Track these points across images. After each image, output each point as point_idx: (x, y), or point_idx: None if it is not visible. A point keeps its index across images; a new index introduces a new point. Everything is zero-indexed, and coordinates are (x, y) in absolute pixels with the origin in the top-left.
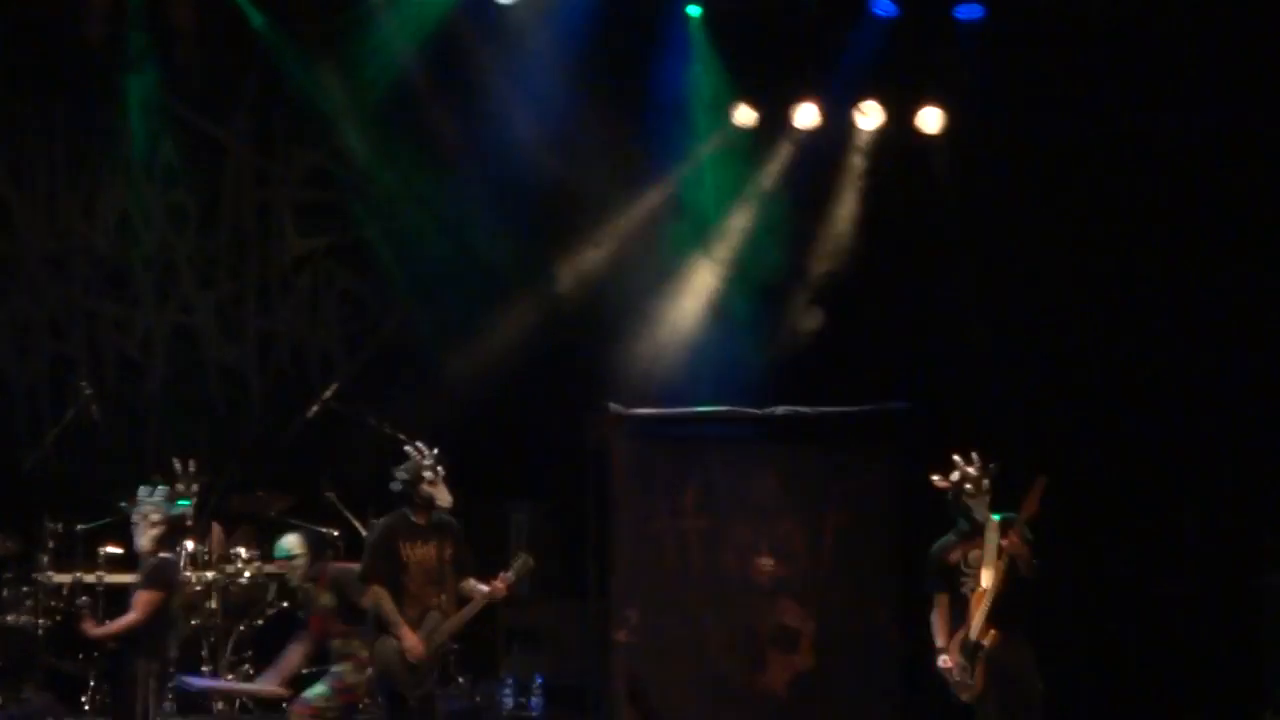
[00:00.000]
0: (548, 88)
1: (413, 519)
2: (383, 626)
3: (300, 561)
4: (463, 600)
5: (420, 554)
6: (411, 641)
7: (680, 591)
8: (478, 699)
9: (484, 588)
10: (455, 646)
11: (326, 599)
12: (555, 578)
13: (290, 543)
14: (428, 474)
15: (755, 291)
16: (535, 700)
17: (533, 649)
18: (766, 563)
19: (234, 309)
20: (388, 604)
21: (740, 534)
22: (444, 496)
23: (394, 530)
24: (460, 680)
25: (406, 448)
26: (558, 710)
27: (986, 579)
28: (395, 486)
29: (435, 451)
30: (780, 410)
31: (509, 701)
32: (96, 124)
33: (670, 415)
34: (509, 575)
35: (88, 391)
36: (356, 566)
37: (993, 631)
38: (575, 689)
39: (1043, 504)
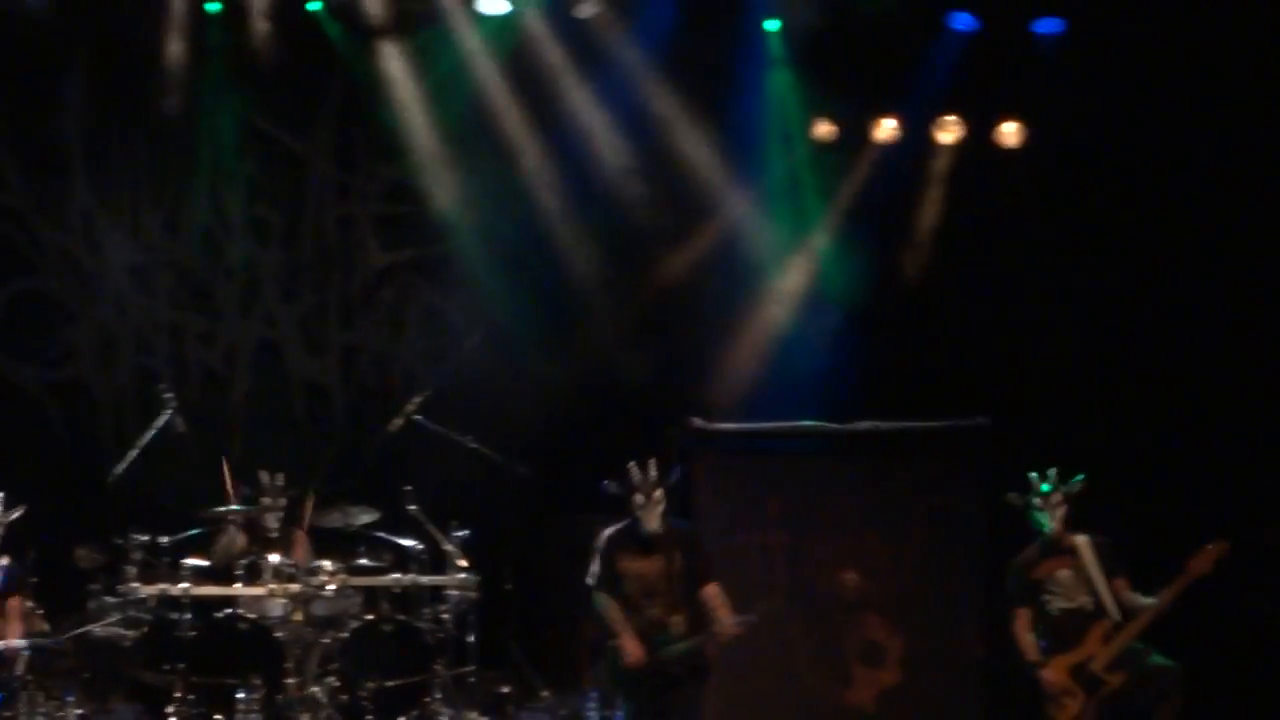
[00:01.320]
0: (628, 102)
1: (635, 532)
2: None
3: None
4: (700, 614)
5: (638, 567)
6: (630, 645)
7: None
8: (563, 712)
9: (721, 620)
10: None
11: None
12: None
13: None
14: (639, 497)
15: (836, 306)
16: (619, 713)
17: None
18: (851, 578)
19: (317, 322)
20: (612, 611)
21: (824, 549)
22: (651, 521)
23: (613, 541)
24: (544, 694)
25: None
26: None
27: (1107, 605)
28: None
29: (653, 475)
30: (863, 425)
31: (594, 714)
32: (179, 138)
33: (754, 430)
34: (748, 618)
35: (172, 404)
36: None
37: (1123, 675)
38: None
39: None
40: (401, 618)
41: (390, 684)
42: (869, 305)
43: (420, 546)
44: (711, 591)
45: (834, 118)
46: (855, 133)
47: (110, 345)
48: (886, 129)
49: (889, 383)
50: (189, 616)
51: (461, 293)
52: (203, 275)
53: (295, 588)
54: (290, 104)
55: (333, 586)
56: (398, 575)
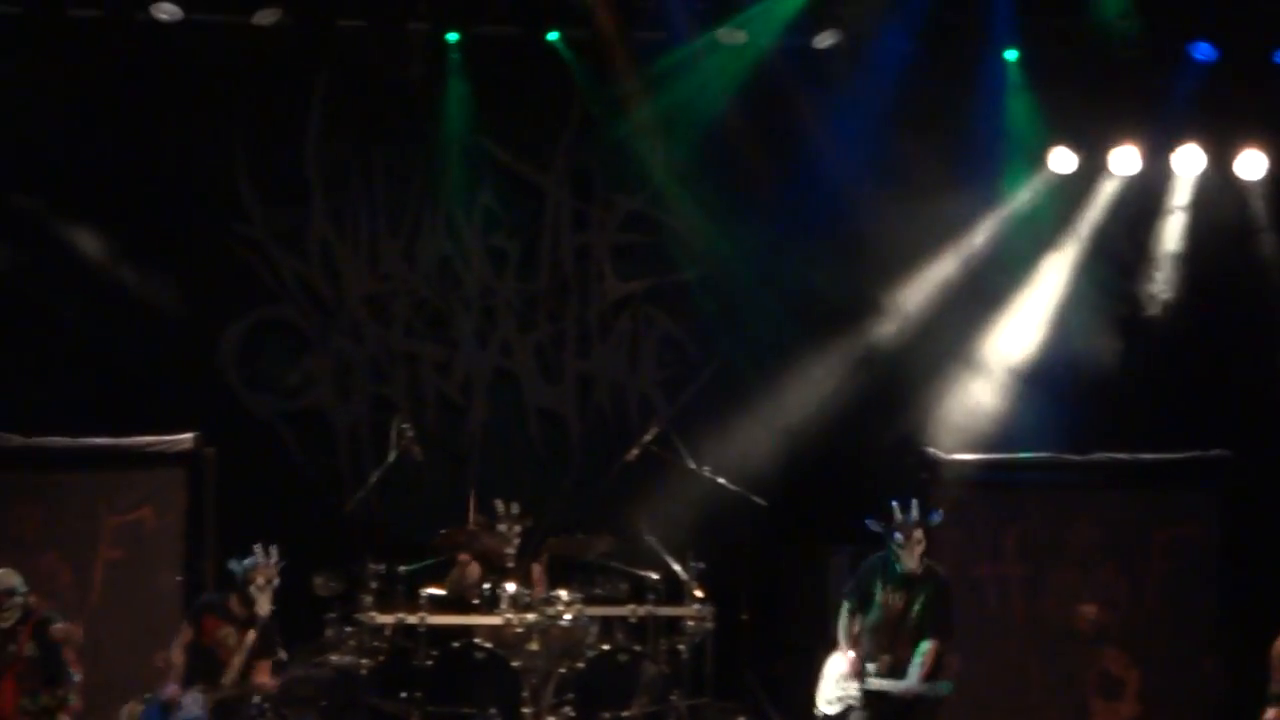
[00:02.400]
0: (865, 131)
1: (895, 565)
2: None
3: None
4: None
5: (888, 599)
6: (846, 658)
7: (1002, 638)
8: None
9: (909, 676)
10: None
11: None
12: None
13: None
14: (898, 536)
15: (1073, 335)
16: None
17: None
18: (1089, 610)
19: (553, 351)
20: (847, 621)
21: (1061, 581)
22: (909, 561)
23: (875, 568)
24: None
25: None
26: None
27: None
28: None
29: (914, 516)
30: (1101, 457)
31: None
32: (416, 168)
33: (990, 461)
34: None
35: (409, 433)
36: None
37: None
38: None
39: None
40: (638, 647)
41: (625, 714)
42: (1106, 335)
43: (656, 576)
44: (927, 648)
45: (1073, 146)
46: (1094, 161)
47: (347, 374)
48: (1126, 158)
49: (1127, 414)
50: (425, 645)
51: (698, 322)
52: (440, 305)
53: (532, 617)
54: (528, 134)
55: (569, 616)
56: (634, 605)
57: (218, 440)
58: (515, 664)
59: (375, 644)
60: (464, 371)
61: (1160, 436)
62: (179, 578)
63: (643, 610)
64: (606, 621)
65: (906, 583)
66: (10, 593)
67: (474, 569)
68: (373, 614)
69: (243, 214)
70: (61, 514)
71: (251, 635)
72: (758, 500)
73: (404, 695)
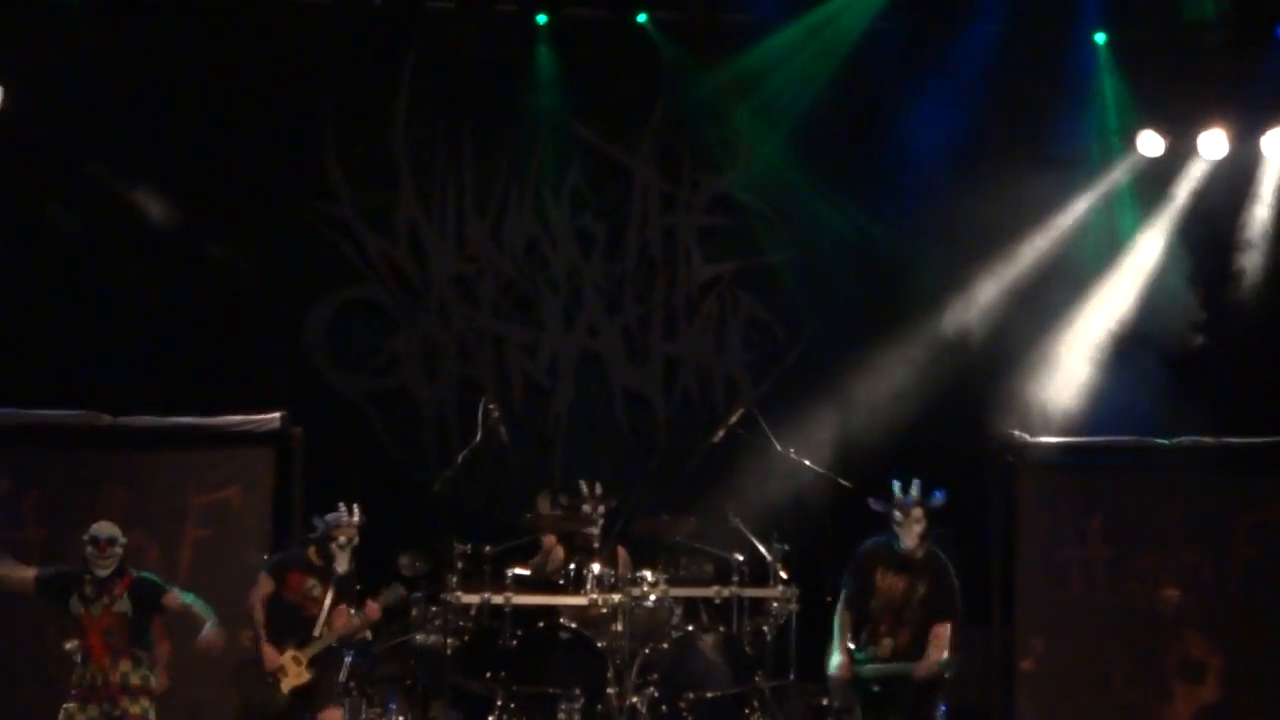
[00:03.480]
0: (954, 114)
1: (893, 548)
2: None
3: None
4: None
5: (889, 583)
6: (839, 661)
7: (1085, 621)
8: None
9: (926, 658)
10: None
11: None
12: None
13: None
14: (896, 514)
15: (1161, 318)
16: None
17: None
18: (1172, 593)
19: (640, 333)
20: (842, 618)
21: (1145, 564)
22: (909, 539)
23: (872, 554)
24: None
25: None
26: None
27: None
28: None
29: (914, 495)
30: (1186, 440)
31: None
32: (504, 149)
33: (1075, 444)
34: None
35: (496, 414)
36: None
37: None
38: (979, 716)
39: None
40: (722, 629)
41: (710, 695)
42: (1194, 318)
43: (741, 557)
44: (939, 631)
45: (1161, 129)
46: (1182, 144)
47: (434, 355)
48: (1214, 141)
49: (1214, 397)
50: (510, 625)
51: (784, 305)
52: (527, 286)
53: (616, 598)
54: (616, 115)
55: (654, 597)
56: (718, 586)
57: (305, 420)
58: (600, 644)
59: (460, 624)
60: (550, 353)
61: (1248, 420)
62: (265, 556)
63: (727, 591)
64: (691, 603)
65: (906, 566)
66: (111, 541)
67: (559, 551)
68: (458, 594)
69: (330, 194)
70: (149, 493)
71: (330, 589)
72: (843, 482)
73: (489, 675)
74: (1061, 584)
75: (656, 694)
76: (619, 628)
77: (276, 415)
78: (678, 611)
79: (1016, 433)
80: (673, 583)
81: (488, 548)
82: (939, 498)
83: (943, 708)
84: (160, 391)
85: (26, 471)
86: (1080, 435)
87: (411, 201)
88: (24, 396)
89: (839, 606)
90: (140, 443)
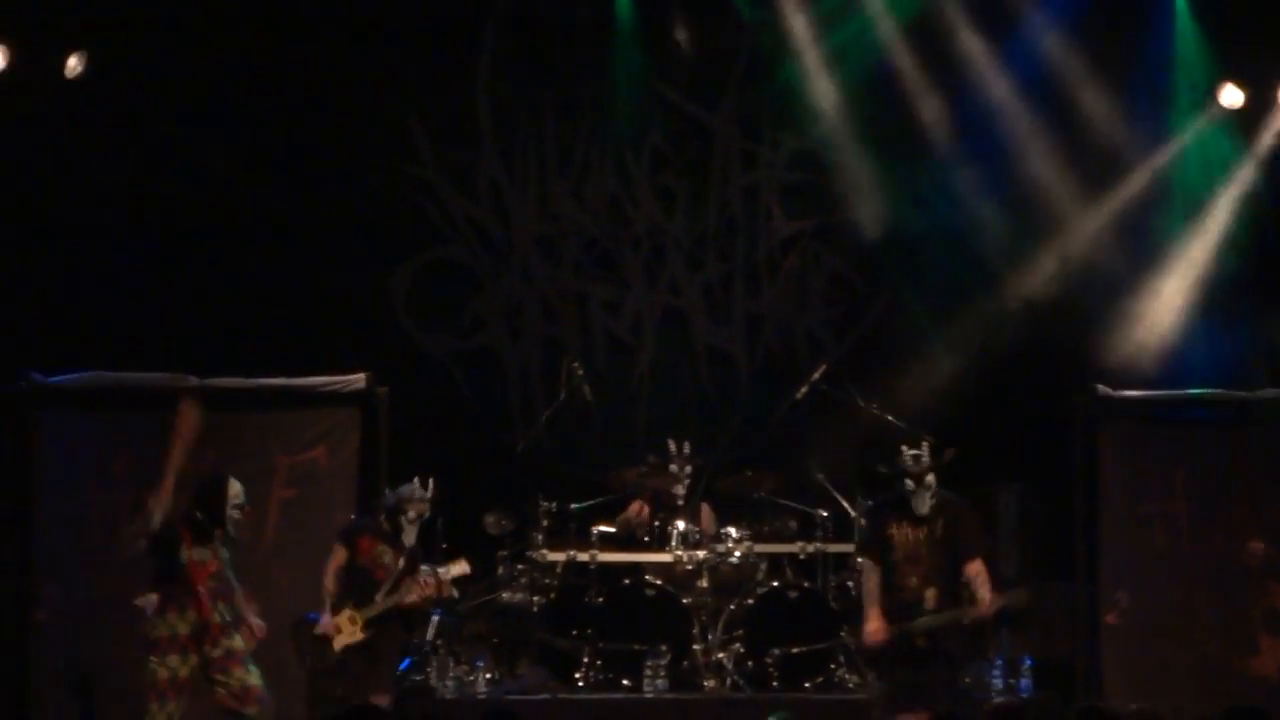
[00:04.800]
0: (1032, 68)
1: (906, 505)
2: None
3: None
4: (958, 590)
5: (905, 533)
6: (872, 626)
7: (1170, 574)
8: (967, 680)
9: (983, 598)
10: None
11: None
12: (1043, 560)
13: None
14: (909, 482)
15: (1242, 273)
16: (1024, 681)
17: (1021, 630)
18: (1258, 546)
19: (722, 291)
20: (868, 582)
21: (1230, 517)
22: (921, 506)
23: (886, 506)
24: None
25: (910, 451)
26: (1046, 691)
27: None
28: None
29: (925, 459)
30: (1269, 393)
31: (998, 682)
32: (585, 108)
33: (1159, 398)
34: (998, 599)
35: (579, 373)
36: None
37: None
38: (1065, 670)
39: None
40: (806, 584)
41: (795, 650)
42: (1275, 269)
43: (825, 513)
44: (974, 569)
45: (1241, 83)
46: (1263, 97)
47: (518, 314)
48: None
49: None
50: (596, 583)
51: (866, 260)
52: (609, 244)
53: (701, 554)
54: (696, 74)
55: (738, 553)
56: (803, 542)
57: (390, 380)
58: (685, 601)
59: (546, 582)
60: (633, 311)
61: None
62: (352, 516)
63: (811, 547)
64: (775, 559)
65: (918, 520)
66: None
67: (645, 508)
68: (544, 552)
69: (414, 156)
70: (236, 454)
71: (402, 557)
72: (926, 437)
73: (575, 632)
74: (1145, 538)
75: (742, 650)
76: (704, 584)
77: (362, 376)
78: (762, 567)
79: (1099, 386)
80: (757, 539)
81: (573, 506)
82: (949, 454)
83: (1027, 661)
84: (247, 353)
85: (115, 434)
86: (1164, 388)
87: (494, 162)
88: (112, 359)
89: (863, 572)
90: (227, 404)
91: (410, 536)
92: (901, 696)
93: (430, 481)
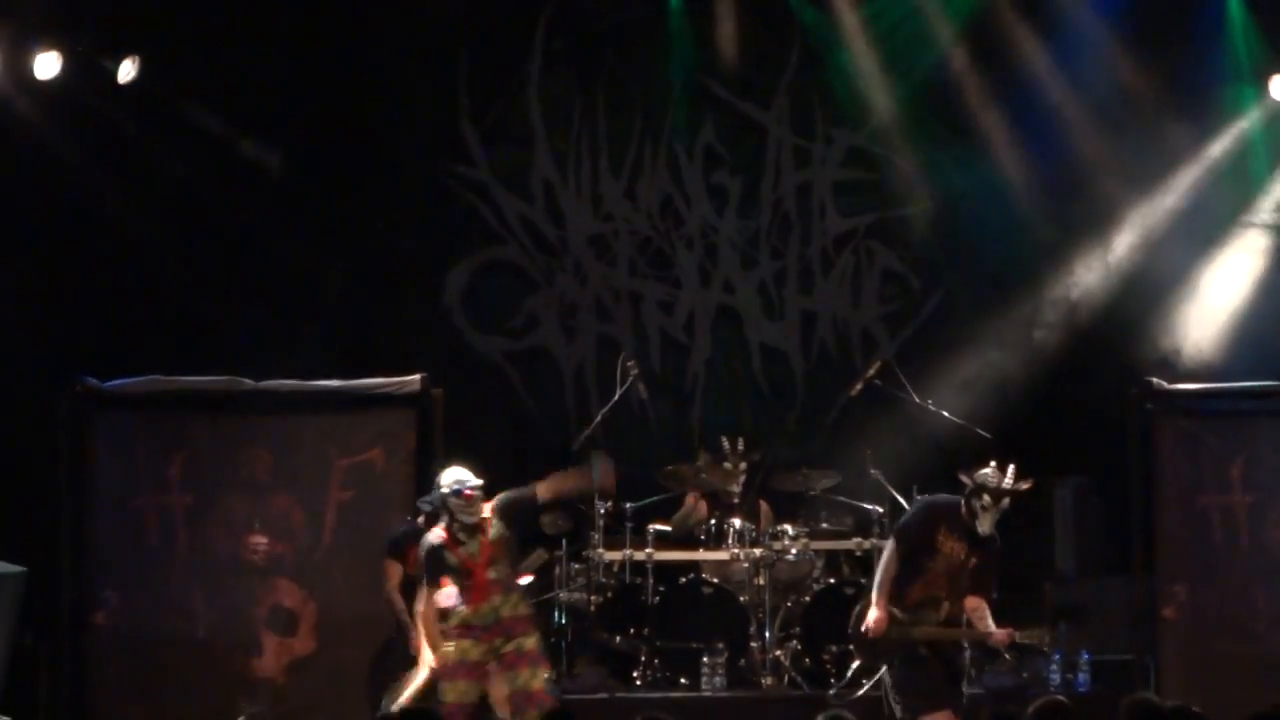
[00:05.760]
0: (1086, 63)
1: (963, 520)
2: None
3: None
4: (955, 618)
5: (951, 547)
6: (876, 615)
7: (1227, 567)
8: (1025, 675)
9: (991, 628)
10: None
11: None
12: (1100, 554)
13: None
14: (986, 498)
15: None
16: (1082, 676)
17: (1079, 625)
18: None
19: (776, 288)
20: (886, 569)
21: None
22: (985, 525)
23: (941, 513)
24: (1007, 656)
25: (982, 471)
26: (1105, 686)
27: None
28: (965, 482)
29: (1010, 480)
30: None
31: (1056, 677)
32: (637, 107)
33: (1215, 390)
34: (1015, 634)
35: (634, 371)
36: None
37: None
38: (1123, 665)
39: None
40: (863, 581)
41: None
42: None
43: (881, 510)
44: (979, 603)
45: None
46: None
47: (572, 314)
48: None
49: None
50: (653, 581)
51: (920, 257)
52: (662, 243)
53: (758, 552)
54: (748, 71)
55: (795, 550)
56: (859, 539)
57: (445, 382)
58: (742, 599)
59: (603, 581)
60: (687, 309)
61: None
62: (409, 518)
63: (868, 544)
64: (832, 555)
65: (970, 536)
66: (477, 486)
67: (701, 507)
68: (600, 551)
69: (466, 156)
70: (293, 456)
71: None
72: (982, 433)
73: (632, 631)
74: (1203, 531)
75: (799, 647)
76: (761, 582)
77: (417, 377)
78: (819, 565)
79: (1155, 380)
80: (813, 536)
81: (629, 505)
82: (1027, 484)
83: (1085, 655)
84: (303, 356)
85: (171, 437)
86: (1220, 380)
87: (546, 162)
88: (169, 363)
89: (886, 557)
90: (283, 406)
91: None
92: (934, 694)
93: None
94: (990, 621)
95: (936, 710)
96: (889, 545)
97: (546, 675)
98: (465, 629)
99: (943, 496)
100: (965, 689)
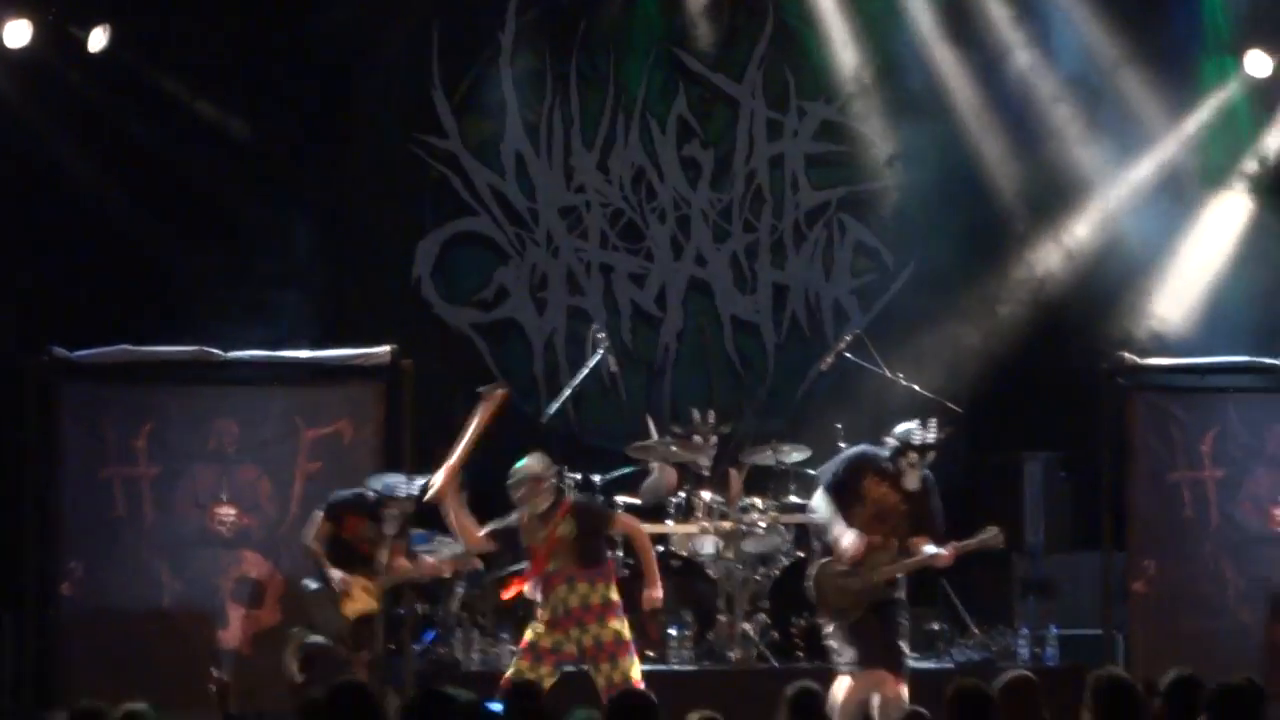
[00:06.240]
0: (1062, 35)
1: (890, 471)
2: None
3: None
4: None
5: (881, 493)
6: (852, 538)
7: (1197, 542)
8: (993, 649)
9: (931, 549)
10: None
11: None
12: (1069, 528)
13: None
14: (912, 455)
15: (1269, 243)
16: (1050, 650)
17: (1048, 599)
18: None
19: (748, 261)
20: (827, 508)
21: (1258, 484)
22: (911, 482)
23: (868, 459)
24: (976, 631)
25: (902, 426)
26: (1073, 660)
27: None
28: (890, 441)
29: (931, 434)
30: None
31: (1024, 651)
32: (609, 79)
33: (1186, 366)
34: (967, 544)
35: (605, 344)
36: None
37: None
38: (1091, 639)
39: None
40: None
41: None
42: None
43: None
44: (922, 540)
45: (1268, 48)
46: None
47: (543, 286)
48: None
49: None
50: (621, 554)
51: (892, 230)
52: (634, 216)
53: (727, 525)
54: (721, 44)
55: (764, 524)
56: None
57: (414, 353)
58: (710, 572)
59: None
60: (659, 282)
61: None
62: (366, 487)
63: None
64: (801, 530)
65: (898, 485)
66: (539, 479)
67: (671, 474)
68: None
69: (437, 127)
70: (260, 428)
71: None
72: (952, 406)
73: None
74: (1173, 506)
75: (767, 620)
76: (729, 555)
77: (386, 349)
78: (788, 538)
79: (1126, 355)
80: (783, 510)
81: (597, 477)
82: (949, 432)
83: (1053, 629)
84: (271, 327)
85: (138, 408)
86: (1193, 355)
87: (518, 134)
88: (137, 333)
89: (824, 502)
90: (251, 378)
91: (391, 528)
92: (883, 656)
93: (417, 481)
94: (931, 546)
95: (872, 669)
96: (819, 497)
97: (631, 663)
98: (541, 614)
99: (866, 446)
100: (909, 650)
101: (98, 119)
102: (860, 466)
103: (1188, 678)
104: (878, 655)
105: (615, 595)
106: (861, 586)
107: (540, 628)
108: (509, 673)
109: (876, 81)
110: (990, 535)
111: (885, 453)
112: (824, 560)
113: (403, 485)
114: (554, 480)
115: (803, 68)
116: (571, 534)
